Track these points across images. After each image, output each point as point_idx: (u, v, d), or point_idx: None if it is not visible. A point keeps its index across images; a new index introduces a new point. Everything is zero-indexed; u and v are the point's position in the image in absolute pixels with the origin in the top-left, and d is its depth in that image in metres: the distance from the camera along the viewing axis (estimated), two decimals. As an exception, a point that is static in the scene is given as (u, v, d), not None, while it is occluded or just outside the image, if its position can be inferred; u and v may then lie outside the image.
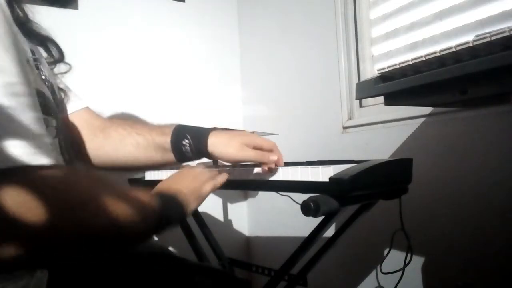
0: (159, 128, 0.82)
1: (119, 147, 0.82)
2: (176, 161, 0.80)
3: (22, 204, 0.37)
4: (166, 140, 0.78)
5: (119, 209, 0.47)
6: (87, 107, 0.85)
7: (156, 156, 0.80)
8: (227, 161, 0.76)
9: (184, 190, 0.67)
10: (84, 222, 0.42)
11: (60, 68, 0.78)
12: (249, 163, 0.80)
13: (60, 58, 0.77)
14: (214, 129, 0.79)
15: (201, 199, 0.71)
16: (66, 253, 0.43)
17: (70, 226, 0.41)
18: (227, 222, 1.91)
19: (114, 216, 0.46)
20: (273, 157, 0.73)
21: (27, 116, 0.41)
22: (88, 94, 1.49)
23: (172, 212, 0.61)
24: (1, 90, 0.40)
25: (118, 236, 0.48)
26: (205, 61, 1.89)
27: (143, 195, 0.55)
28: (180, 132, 0.78)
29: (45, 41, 0.74)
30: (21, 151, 0.39)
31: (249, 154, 0.73)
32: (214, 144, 0.74)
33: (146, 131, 0.82)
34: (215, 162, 1.54)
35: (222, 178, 0.77)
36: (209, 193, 0.73)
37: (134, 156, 0.81)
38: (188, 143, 0.76)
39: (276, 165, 0.74)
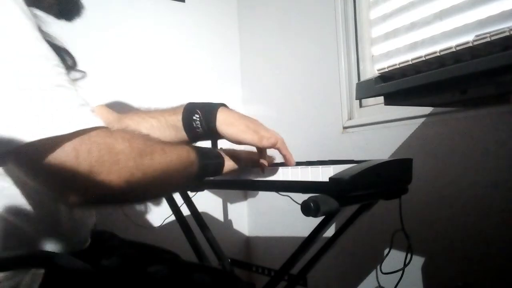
0: (171, 108, 0.83)
1: None
2: (189, 140, 0.80)
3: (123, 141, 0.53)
4: (178, 118, 0.79)
5: (171, 155, 0.59)
6: (101, 105, 0.89)
7: (170, 135, 0.81)
8: (228, 139, 0.76)
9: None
10: (150, 166, 0.55)
11: (75, 75, 0.81)
12: (249, 164, 0.80)
13: (73, 65, 0.80)
14: (223, 105, 0.79)
15: (236, 161, 0.76)
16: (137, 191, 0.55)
17: (143, 168, 0.53)
18: (227, 222, 1.91)
19: (168, 161, 0.58)
20: (271, 140, 0.73)
21: (72, 87, 0.52)
22: (87, 94, 1.50)
23: (210, 160, 0.70)
24: (53, 71, 0.50)
25: (170, 178, 0.60)
26: (205, 61, 1.89)
27: (185, 147, 0.65)
28: (190, 108, 0.79)
29: (59, 51, 0.75)
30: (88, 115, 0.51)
31: (249, 137, 0.73)
32: (222, 120, 0.75)
33: (159, 113, 0.83)
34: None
35: (264, 161, 0.77)
36: (244, 161, 0.78)
37: None
38: (199, 117, 0.77)
39: (288, 163, 0.78)
